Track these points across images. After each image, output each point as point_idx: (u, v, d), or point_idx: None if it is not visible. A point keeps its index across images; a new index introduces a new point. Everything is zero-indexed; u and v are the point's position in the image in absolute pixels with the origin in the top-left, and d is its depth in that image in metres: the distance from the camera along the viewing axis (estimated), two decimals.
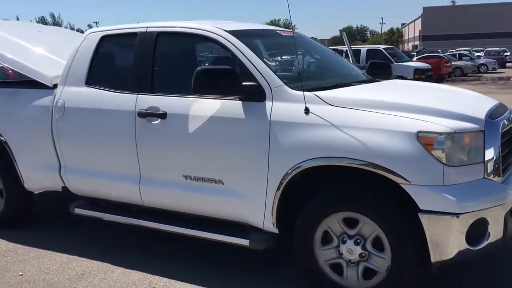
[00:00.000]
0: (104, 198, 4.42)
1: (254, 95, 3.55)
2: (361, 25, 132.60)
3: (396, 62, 19.62)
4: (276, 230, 3.57)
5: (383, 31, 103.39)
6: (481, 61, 37.51)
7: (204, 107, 3.72)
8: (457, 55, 36.65)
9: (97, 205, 4.52)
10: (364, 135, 3.13)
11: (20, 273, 4.05)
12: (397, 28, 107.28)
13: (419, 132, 3.01)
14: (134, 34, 4.22)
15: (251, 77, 3.59)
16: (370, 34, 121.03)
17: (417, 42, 77.31)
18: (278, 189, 3.42)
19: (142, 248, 4.48)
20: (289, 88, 3.51)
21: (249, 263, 4.09)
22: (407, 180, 2.99)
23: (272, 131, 3.43)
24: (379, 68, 5.11)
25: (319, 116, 3.31)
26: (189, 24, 4.04)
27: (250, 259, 4.11)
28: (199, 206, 3.88)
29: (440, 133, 2.99)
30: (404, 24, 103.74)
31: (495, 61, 38.84)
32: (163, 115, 3.87)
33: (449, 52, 40.42)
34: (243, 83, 3.54)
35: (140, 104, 3.99)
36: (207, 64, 4.50)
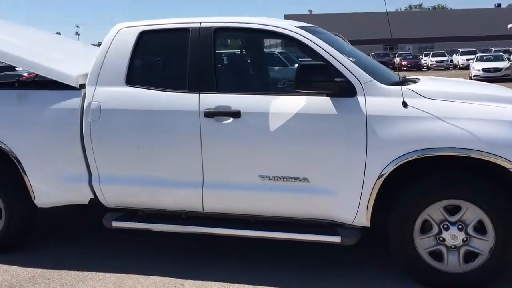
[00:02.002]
0: (150, 208, 4.05)
1: (346, 90, 3.55)
2: None
3: (291, 66, 20.36)
4: (368, 224, 3.60)
5: None
6: None
7: (287, 104, 3.62)
8: None
9: (134, 216, 4.15)
10: (470, 125, 3.31)
11: None
12: None
13: None
14: (184, 30, 3.93)
15: (338, 73, 3.58)
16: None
17: (279, 49, 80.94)
18: (375, 183, 3.47)
19: (188, 257, 4.19)
20: (380, 83, 3.58)
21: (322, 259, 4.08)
22: None
23: (369, 125, 3.45)
24: None
25: (419, 109, 3.42)
26: (258, 20, 3.88)
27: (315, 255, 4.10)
28: (276, 206, 3.75)
29: None
30: None
31: None
32: (236, 114, 3.68)
33: None
34: (335, 79, 3.53)
35: (205, 103, 3.75)
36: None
